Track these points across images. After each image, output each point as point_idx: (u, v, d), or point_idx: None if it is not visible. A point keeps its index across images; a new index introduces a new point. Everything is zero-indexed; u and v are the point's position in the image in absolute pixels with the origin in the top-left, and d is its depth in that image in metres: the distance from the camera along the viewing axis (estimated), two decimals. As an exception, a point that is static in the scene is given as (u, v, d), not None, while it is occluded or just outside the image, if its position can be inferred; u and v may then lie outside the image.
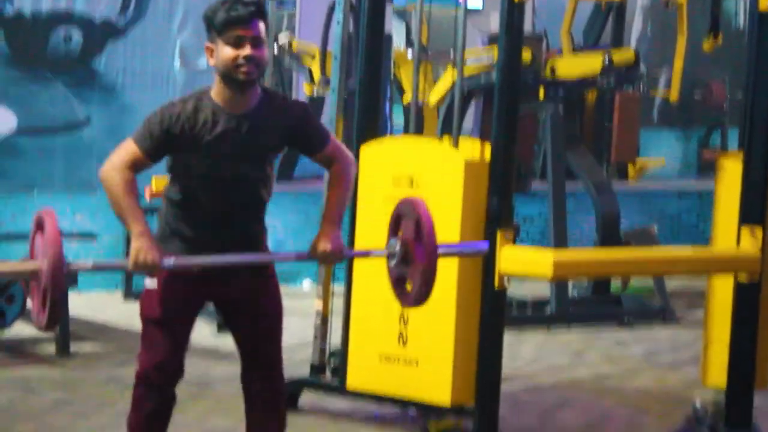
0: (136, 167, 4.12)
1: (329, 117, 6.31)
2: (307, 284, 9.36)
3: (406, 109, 9.95)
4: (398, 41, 10.36)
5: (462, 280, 5.28)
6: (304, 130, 4.29)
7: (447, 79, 9.50)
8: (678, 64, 10.63)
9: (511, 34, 5.14)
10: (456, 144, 5.48)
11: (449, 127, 5.76)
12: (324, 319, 6.18)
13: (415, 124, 5.85)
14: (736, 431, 5.64)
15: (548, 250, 6.13)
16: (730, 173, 5.82)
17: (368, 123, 5.97)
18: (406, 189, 5.44)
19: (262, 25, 4.15)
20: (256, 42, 4.13)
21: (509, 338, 6.24)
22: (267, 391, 4.44)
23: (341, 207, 4.32)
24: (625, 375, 7.01)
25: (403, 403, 5.70)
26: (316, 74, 10.17)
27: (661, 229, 9.72)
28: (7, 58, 9.07)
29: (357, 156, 5.72)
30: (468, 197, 5.27)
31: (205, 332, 7.12)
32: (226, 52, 4.12)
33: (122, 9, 9.38)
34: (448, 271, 5.28)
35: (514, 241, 5.28)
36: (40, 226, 3.93)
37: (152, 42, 9.46)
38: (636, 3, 12.96)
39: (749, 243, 5.54)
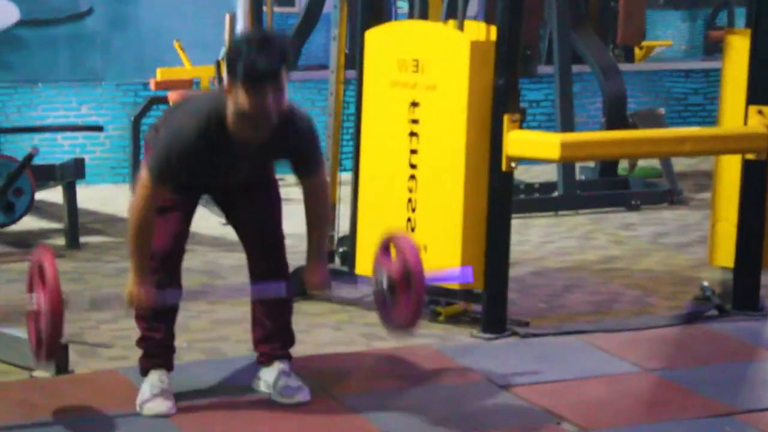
0: (154, 201, 4.19)
1: (333, 2, 6.25)
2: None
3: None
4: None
5: (470, 166, 5.26)
6: (304, 155, 4.35)
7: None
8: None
9: None
10: (461, 27, 5.43)
11: (454, 13, 5.67)
12: (332, 206, 6.17)
13: (419, 10, 5.79)
14: (744, 310, 5.68)
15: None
16: (738, 50, 5.78)
17: (372, 8, 5.92)
18: (411, 73, 5.41)
19: (284, 74, 4.03)
20: (277, 92, 4.02)
21: (517, 223, 6.26)
22: (272, 273, 4.48)
23: (323, 242, 4.49)
24: (633, 257, 7.02)
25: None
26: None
27: (668, 111, 9.69)
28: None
29: (362, 41, 5.70)
30: (474, 79, 5.23)
31: (212, 222, 7.13)
32: (246, 100, 4.01)
33: None
34: (456, 156, 5.28)
35: (521, 125, 5.26)
36: (40, 271, 4.10)
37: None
38: None
39: (757, 121, 5.53)
